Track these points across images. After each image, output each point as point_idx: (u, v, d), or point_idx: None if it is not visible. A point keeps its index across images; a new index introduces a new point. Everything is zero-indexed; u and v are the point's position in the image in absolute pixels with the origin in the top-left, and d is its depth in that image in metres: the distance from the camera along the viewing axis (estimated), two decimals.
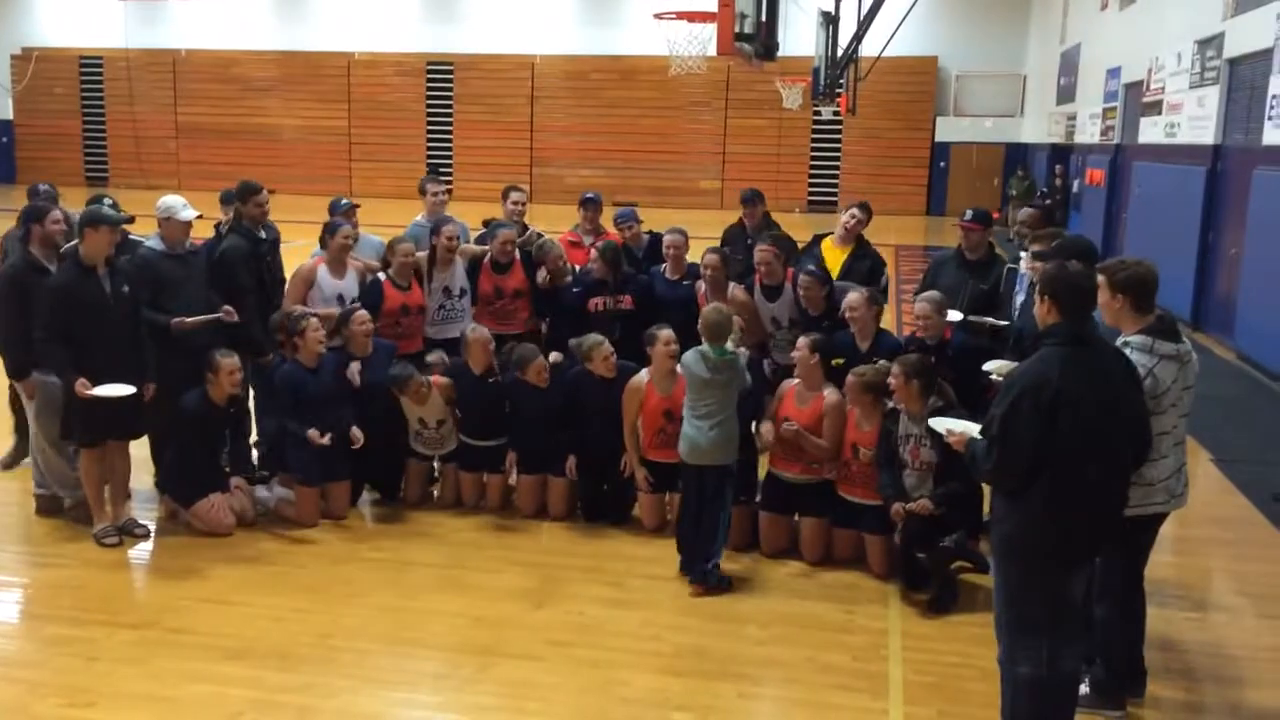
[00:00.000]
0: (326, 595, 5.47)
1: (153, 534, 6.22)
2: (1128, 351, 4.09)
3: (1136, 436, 3.97)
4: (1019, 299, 6.14)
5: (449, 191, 8.14)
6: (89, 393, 5.67)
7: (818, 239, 7.70)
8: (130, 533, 6.14)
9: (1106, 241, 17.90)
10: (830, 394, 5.92)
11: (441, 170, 30.59)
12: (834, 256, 7.45)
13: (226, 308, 6.32)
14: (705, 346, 5.60)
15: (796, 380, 6.07)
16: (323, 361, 6.39)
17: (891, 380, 5.51)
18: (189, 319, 6.17)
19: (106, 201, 6.44)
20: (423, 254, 7.07)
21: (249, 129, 31.79)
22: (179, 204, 6.37)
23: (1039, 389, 3.72)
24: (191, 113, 32.25)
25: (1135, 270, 4.22)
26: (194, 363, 6.14)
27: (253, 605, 5.34)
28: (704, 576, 5.56)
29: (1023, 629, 3.91)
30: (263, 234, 6.87)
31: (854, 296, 6.22)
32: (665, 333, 6.16)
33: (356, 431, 6.29)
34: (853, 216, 7.57)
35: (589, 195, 8.37)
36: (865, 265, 7.38)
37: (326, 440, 6.16)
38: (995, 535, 4.03)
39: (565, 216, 9.68)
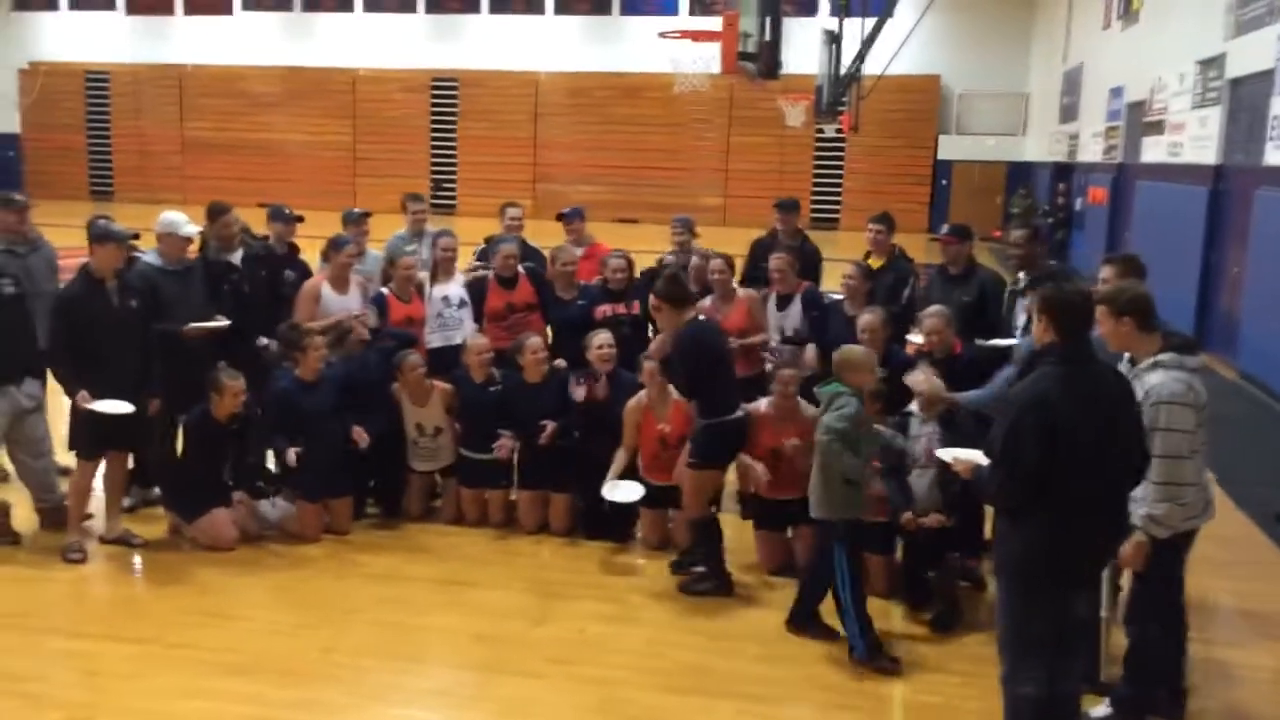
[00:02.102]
0: (328, 610, 5.47)
1: (146, 546, 6.20)
2: (1161, 372, 4.14)
3: (1134, 456, 3.95)
4: (1020, 318, 6.16)
5: (429, 209, 8.35)
6: (87, 407, 5.74)
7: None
8: (128, 543, 6.16)
9: None
10: (810, 409, 5.93)
11: (445, 184, 30.75)
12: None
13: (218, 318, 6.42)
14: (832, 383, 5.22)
15: (765, 403, 5.97)
16: (322, 377, 6.41)
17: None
18: (198, 325, 6.25)
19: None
20: (424, 274, 7.17)
21: (254, 144, 31.89)
22: (180, 220, 6.43)
23: (1038, 408, 3.72)
24: (197, 127, 32.37)
25: (1134, 291, 4.28)
26: (194, 374, 6.17)
27: (254, 620, 5.35)
28: (859, 656, 5.03)
29: (1025, 649, 3.89)
30: (229, 257, 6.91)
31: (868, 318, 6.20)
32: (651, 364, 6.15)
33: (361, 431, 6.29)
34: (869, 229, 7.55)
35: (565, 210, 8.46)
36: (889, 279, 7.24)
37: (292, 459, 6.16)
38: (998, 555, 4.03)
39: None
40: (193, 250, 6.83)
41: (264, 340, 6.75)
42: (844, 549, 5.06)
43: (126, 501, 6.53)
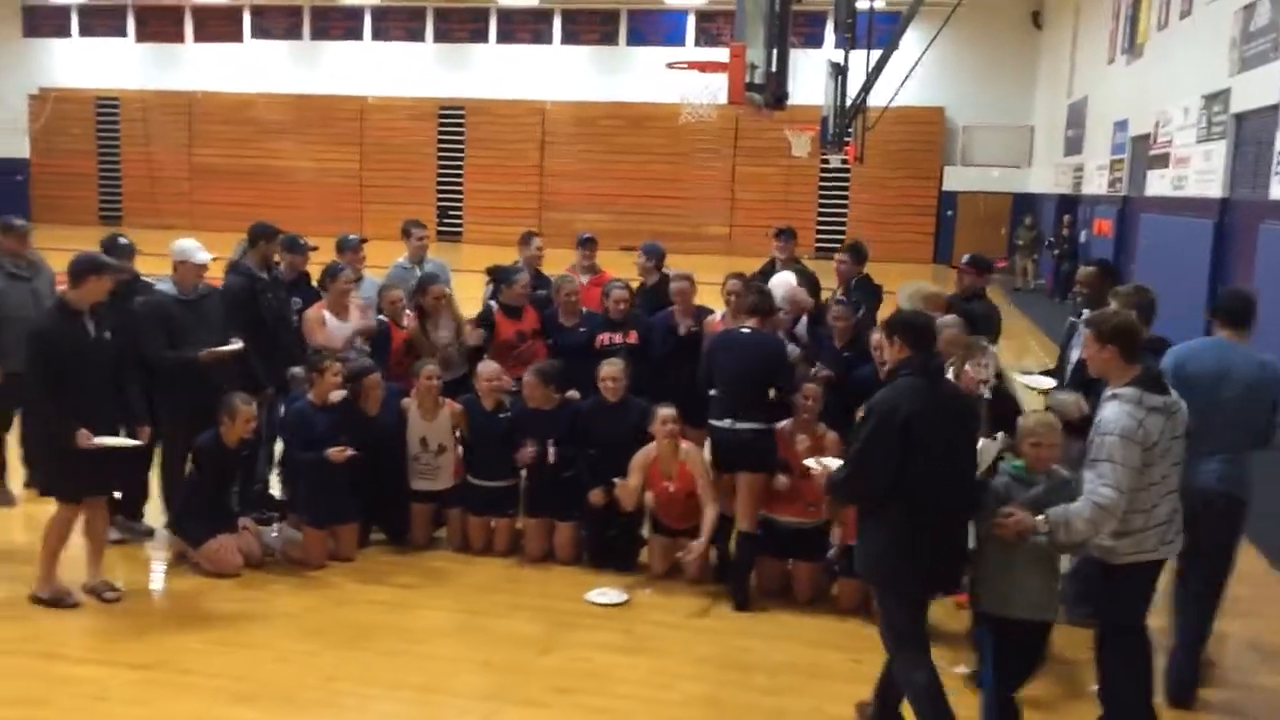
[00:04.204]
0: (333, 638, 5.46)
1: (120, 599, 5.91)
2: (1116, 403, 4.12)
3: (971, 472, 4.37)
4: (1074, 354, 6.06)
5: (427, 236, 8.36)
6: (95, 443, 5.47)
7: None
8: (100, 595, 5.79)
9: None
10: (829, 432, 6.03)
11: (451, 212, 30.87)
12: None
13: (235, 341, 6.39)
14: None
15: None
16: (334, 402, 6.45)
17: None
18: (216, 349, 6.23)
19: (122, 240, 6.52)
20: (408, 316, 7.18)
21: (263, 171, 32.06)
22: (193, 247, 6.45)
23: (892, 415, 4.11)
24: (206, 154, 32.56)
25: (1121, 319, 4.28)
26: (209, 401, 6.15)
27: (259, 647, 5.34)
28: None
29: (902, 642, 4.30)
30: (264, 274, 6.96)
31: (878, 336, 6.18)
32: (664, 411, 6.15)
33: (338, 451, 6.18)
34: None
35: (585, 235, 8.58)
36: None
37: (347, 454, 6.17)
38: (858, 556, 4.40)
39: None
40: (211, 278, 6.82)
41: (294, 370, 6.79)
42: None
43: (114, 534, 6.37)
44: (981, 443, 4.96)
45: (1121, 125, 18.87)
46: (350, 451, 6.19)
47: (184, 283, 6.41)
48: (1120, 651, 4.36)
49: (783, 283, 7.26)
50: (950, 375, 5.38)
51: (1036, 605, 4.25)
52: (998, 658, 4.34)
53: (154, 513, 6.80)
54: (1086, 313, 5.90)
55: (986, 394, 5.37)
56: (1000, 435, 5.17)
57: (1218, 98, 13.45)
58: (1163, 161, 15.97)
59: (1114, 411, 4.11)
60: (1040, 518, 4.09)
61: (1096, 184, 20.91)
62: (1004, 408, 5.39)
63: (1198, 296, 13.24)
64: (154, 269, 6.75)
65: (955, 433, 4.24)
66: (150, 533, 6.74)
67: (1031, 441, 4.29)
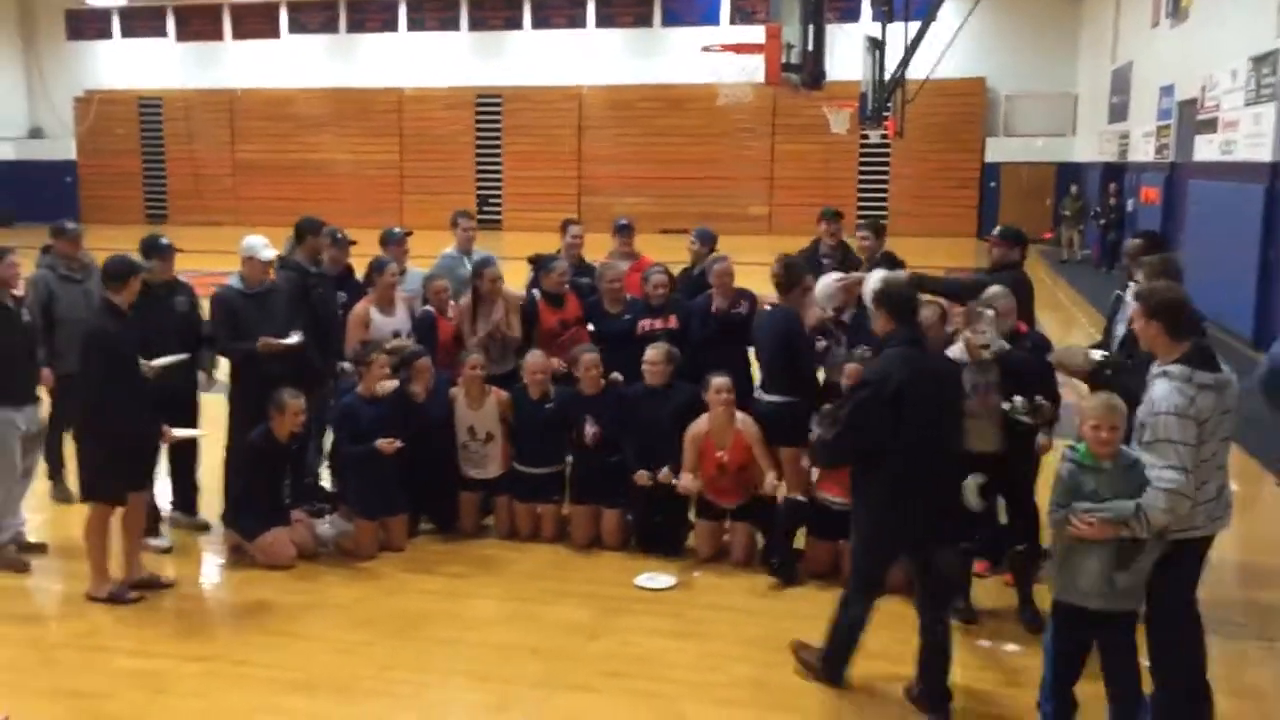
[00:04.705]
0: (386, 627, 5.54)
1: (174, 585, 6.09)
2: (1165, 381, 4.05)
3: (959, 438, 4.72)
4: (1120, 328, 5.96)
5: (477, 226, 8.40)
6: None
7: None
8: (154, 586, 5.94)
9: None
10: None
11: (491, 200, 30.97)
12: None
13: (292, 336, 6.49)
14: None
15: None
16: (384, 395, 6.51)
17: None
18: (272, 340, 6.36)
19: (163, 241, 6.64)
20: (464, 299, 7.25)
21: (304, 165, 32.37)
22: (259, 244, 6.62)
23: (883, 383, 4.42)
24: (248, 150, 32.93)
25: (1165, 295, 4.19)
26: (267, 395, 6.28)
27: (314, 638, 5.42)
28: None
29: (865, 586, 4.76)
30: (313, 269, 7.04)
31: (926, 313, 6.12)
32: (718, 380, 6.20)
33: (387, 442, 6.25)
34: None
35: (622, 221, 8.51)
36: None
37: (396, 446, 6.23)
38: (853, 510, 4.82)
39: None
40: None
41: (345, 365, 6.88)
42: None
43: (165, 542, 6.55)
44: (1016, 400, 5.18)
45: (1167, 90, 18.51)
46: (399, 443, 6.25)
47: (250, 277, 6.61)
48: (1170, 629, 4.30)
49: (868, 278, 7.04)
50: (960, 343, 5.47)
51: (1089, 593, 4.12)
52: (1058, 647, 4.28)
53: (208, 506, 6.92)
54: (1133, 285, 5.79)
55: (988, 356, 5.33)
56: (1018, 399, 5.19)
57: (1266, 59, 13.15)
58: (1210, 126, 15.66)
59: (1164, 389, 4.04)
60: (1115, 517, 3.98)
61: (1143, 151, 20.54)
62: (1017, 370, 5.35)
63: (1249, 262, 12.99)
64: (199, 265, 6.84)
65: (941, 400, 4.55)
66: (206, 526, 6.86)
67: (1091, 424, 4.10)
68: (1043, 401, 5.22)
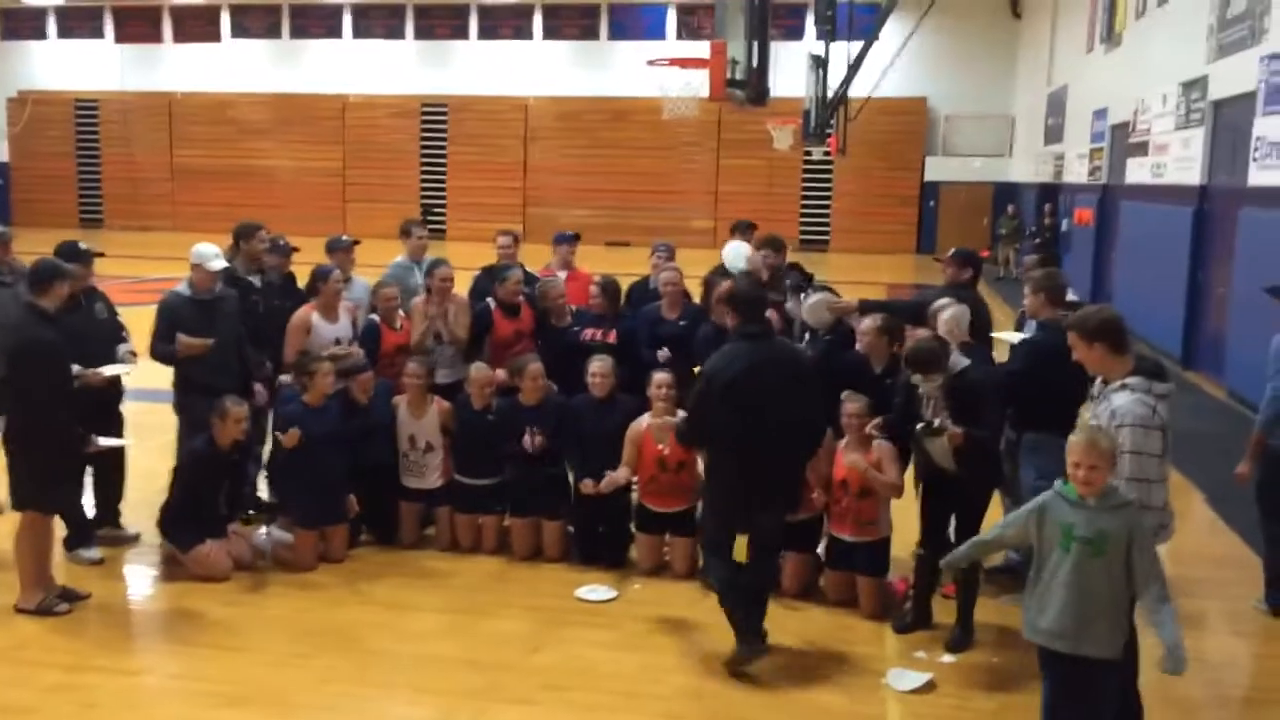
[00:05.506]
0: (324, 640, 5.47)
1: (153, 578, 6.20)
2: (1127, 393, 4.12)
3: (805, 428, 5.18)
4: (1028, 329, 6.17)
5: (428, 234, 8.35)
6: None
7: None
8: (71, 598, 5.80)
9: (1096, 280, 18.03)
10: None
11: (435, 210, 30.82)
12: None
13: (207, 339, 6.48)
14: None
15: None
16: (326, 403, 6.46)
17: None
18: (189, 341, 6.36)
19: (82, 246, 6.52)
20: (418, 299, 7.20)
21: (244, 171, 31.97)
22: (211, 253, 6.58)
23: (715, 376, 5.01)
24: (187, 155, 32.45)
25: (1099, 318, 4.31)
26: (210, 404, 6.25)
27: (250, 651, 5.34)
28: None
29: (715, 550, 5.24)
30: (253, 276, 6.99)
31: (868, 323, 6.22)
32: (659, 375, 6.27)
33: (292, 433, 6.24)
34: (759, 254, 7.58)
35: (566, 233, 8.54)
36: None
37: (296, 435, 6.23)
38: (706, 488, 5.38)
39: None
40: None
41: (284, 378, 6.82)
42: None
43: (96, 554, 6.42)
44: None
45: (1101, 113, 18.97)
46: (298, 432, 6.22)
47: (199, 284, 6.59)
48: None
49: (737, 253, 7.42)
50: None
51: (1057, 635, 3.80)
52: (1053, 697, 3.94)
53: (136, 517, 6.78)
54: (1027, 298, 6.05)
55: (937, 425, 5.36)
56: (920, 423, 5.29)
57: (1195, 85, 13.55)
58: (1142, 149, 16.07)
59: (1126, 401, 4.10)
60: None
61: (1077, 172, 21.02)
62: (960, 394, 5.35)
63: (1179, 282, 13.34)
64: (136, 270, 6.75)
65: (780, 384, 5.02)
66: (135, 538, 6.73)
67: (1072, 461, 3.78)
68: (943, 423, 5.23)
